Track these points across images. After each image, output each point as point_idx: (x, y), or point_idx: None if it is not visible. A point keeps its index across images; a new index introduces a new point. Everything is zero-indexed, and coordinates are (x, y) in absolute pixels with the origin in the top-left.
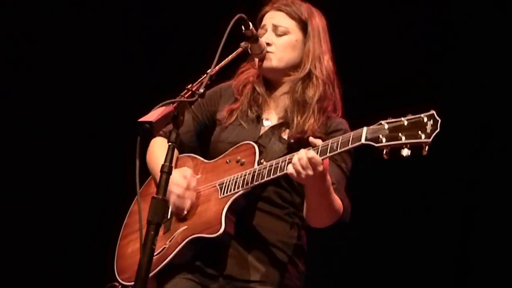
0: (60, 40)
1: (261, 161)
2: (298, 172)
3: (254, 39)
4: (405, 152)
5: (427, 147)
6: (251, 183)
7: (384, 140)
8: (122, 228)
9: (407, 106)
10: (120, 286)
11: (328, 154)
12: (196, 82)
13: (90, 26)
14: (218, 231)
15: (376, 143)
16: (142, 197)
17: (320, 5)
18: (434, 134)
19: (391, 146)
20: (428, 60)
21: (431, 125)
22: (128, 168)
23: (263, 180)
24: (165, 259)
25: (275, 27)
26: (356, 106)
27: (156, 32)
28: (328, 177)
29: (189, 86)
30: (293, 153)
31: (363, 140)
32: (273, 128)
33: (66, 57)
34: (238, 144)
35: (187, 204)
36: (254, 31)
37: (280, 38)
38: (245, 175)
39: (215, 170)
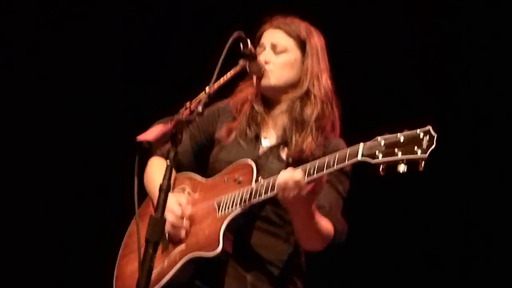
0: (60, 58)
1: (259, 179)
2: (282, 191)
3: (253, 57)
4: (402, 168)
5: (423, 162)
6: (248, 202)
7: (380, 156)
8: (121, 248)
9: (404, 121)
10: None
11: (325, 171)
12: (195, 100)
13: (89, 45)
14: (216, 250)
15: (373, 159)
16: (140, 216)
17: (318, 24)
18: (431, 149)
19: (387, 162)
20: (424, 76)
21: (427, 141)
22: (127, 187)
23: (260, 199)
24: (163, 278)
25: (273, 46)
26: (352, 121)
27: (154, 49)
28: (313, 206)
29: (187, 104)
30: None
31: (359, 157)
32: (271, 147)
33: (64, 76)
34: (235, 163)
35: (181, 233)
36: (253, 49)
37: (279, 56)
38: (242, 193)
39: (213, 188)
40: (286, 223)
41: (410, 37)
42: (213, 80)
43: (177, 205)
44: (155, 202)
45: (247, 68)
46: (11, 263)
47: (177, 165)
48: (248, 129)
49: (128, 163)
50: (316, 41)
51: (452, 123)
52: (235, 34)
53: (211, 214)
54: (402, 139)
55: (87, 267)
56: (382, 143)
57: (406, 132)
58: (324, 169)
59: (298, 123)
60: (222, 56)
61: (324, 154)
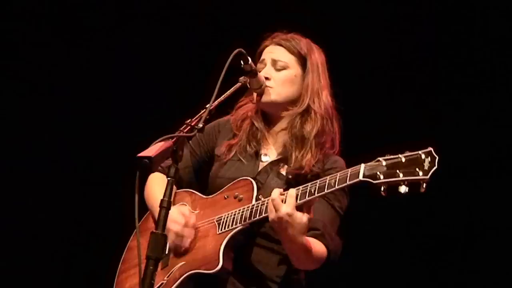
0: (61, 71)
1: (259, 197)
2: (270, 211)
3: (253, 73)
4: (403, 189)
5: (424, 184)
6: (249, 219)
7: (381, 177)
8: (120, 264)
9: (405, 143)
10: None
11: (326, 191)
12: (195, 117)
13: (89, 59)
14: (216, 267)
15: (374, 180)
16: (140, 232)
17: (319, 40)
18: (432, 171)
19: (388, 183)
20: (426, 97)
21: (429, 162)
22: (127, 203)
23: (261, 216)
24: None
25: (274, 62)
26: (354, 143)
27: (155, 66)
28: (304, 238)
29: (188, 121)
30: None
31: (360, 177)
32: (271, 164)
33: (65, 91)
34: (236, 180)
35: (186, 242)
36: (253, 65)
37: (279, 72)
38: (243, 211)
39: (213, 205)
40: None
41: (413, 54)
42: (213, 96)
43: (180, 215)
44: (155, 217)
45: (248, 85)
46: (12, 278)
47: (177, 181)
48: (248, 146)
49: (129, 179)
50: (317, 57)
51: (454, 140)
52: (236, 51)
53: (211, 231)
54: (403, 160)
55: (87, 281)
56: (384, 164)
57: (408, 153)
58: (326, 189)
59: (298, 139)
60: (223, 73)
61: (323, 171)
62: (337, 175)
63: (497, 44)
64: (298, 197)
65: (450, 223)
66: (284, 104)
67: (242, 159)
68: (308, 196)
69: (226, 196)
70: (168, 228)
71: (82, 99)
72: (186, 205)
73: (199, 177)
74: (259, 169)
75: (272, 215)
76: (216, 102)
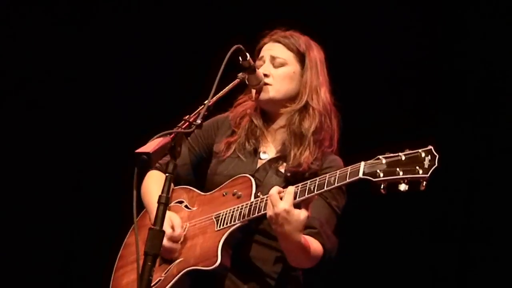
0: (58, 68)
1: (258, 194)
2: (269, 207)
3: (252, 70)
4: (403, 187)
5: (424, 182)
6: (247, 216)
7: (381, 175)
8: (117, 260)
9: (405, 141)
10: None
11: (325, 188)
12: (194, 113)
13: (86, 56)
14: (214, 263)
15: (374, 178)
16: (137, 228)
17: (318, 38)
18: (432, 169)
19: (388, 181)
20: (426, 94)
21: (429, 161)
22: (124, 199)
23: (259, 214)
24: None
25: (273, 59)
26: (354, 141)
27: (153, 62)
28: (301, 235)
29: (186, 117)
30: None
31: (360, 175)
32: (270, 161)
33: (64, 87)
34: (234, 177)
35: (173, 255)
36: (252, 62)
37: (278, 69)
38: (241, 208)
39: (212, 202)
40: None
41: (412, 51)
42: (212, 93)
43: (169, 226)
44: (151, 214)
45: (246, 81)
46: (9, 275)
47: (175, 177)
48: (247, 143)
49: (127, 176)
50: (316, 54)
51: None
52: (234, 47)
53: (210, 228)
54: (403, 159)
55: (83, 278)
56: (384, 161)
57: (408, 152)
58: (325, 187)
59: (296, 136)
60: (221, 69)
61: (321, 170)
62: (336, 173)
63: (498, 42)
64: (297, 194)
65: (449, 222)
66: (282, 101)
67: (240, 156)
68: (307, 194)
69: (224, 193)
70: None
71: (80, 96)
72: (184, 201)
73: (197, 174)
74: (258, 167)
75: (269, 211)
76: (214, 98)
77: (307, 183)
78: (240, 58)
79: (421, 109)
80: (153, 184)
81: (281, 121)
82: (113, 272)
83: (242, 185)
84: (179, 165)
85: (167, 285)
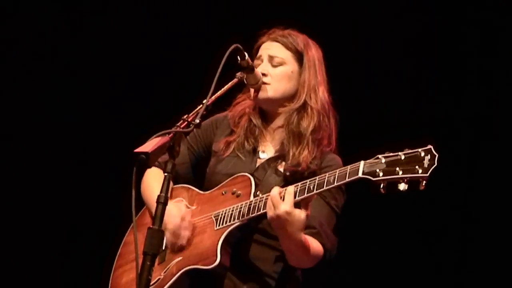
0: (58, 67)
1: (257, 193)
2: (269, 208)
3: (250, 69)
4: (402, 186)
5: (424, 182)
6: (247, 215)
7: (381, 174)
8: (116, 259)
9: (405, 140)
10: None
11: (325, 187)
12: (192, 113)
13: (85, 54)
14: (214, 262)
15: (373, 177)
16: (137, 227)
17: (316, 37)
18: (432, 169)
19: (388, 180)
20: (426, 95)
21: (429, 160)
22: (123, 198)
23: (259, 213)
24: None
25: (271, 58)
26: (353, 140)
27: (151, 62)
28: (302, 235)
29: (185, 117)
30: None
31: (360, 174)
32: (269, 160)
33: (64, 87)
34: (234, 176)
35: (183, 240)
36: (250, 61)
37: (276, 68)
38: (241, 207)
39: (211, 201)
40: None
41: (412, 51)
42: (210, 92)
43: (177, 212)
44: (151, 209)
45: (245, 80)
46: (8, 273)
47: (174, 177)
48: (246, 142)
49: (126, 175)
50: (314, 53)
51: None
52: (232, 47)
53: (209, 227)
54: (403, 158)
55: (83, 276)
56: (383, 161)
57: (407, 151)
58: (324, 186)
59: (295, 135)
60: (220, 69)
61: (319, 169)
62: (336, 172)
63: (498, 41)
64: (297, 194)
65: (449, 222)
66: (281, 100)
67: (240, 155)
68: (307, 193)
69: (224, 192)
70: (165, 226)
71: (79, 95)
72: (183, 200)
73: (196, 173)
74: (257, 166)
75: (270, 213)
76: (213, 98)
77: (306, 182)
78: (238, 57)
79: (421, 108)
80: (153, 180)
81: (279, 120)
82: (112, 271)
83: (242, 184)
84: (178, 164)
85: (166, 284)
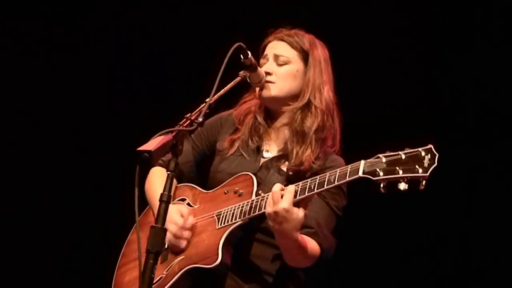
0: (59, 66)
1: (259, 192)
2: (268, 204)
3: (253, 68)
4: (402, 186)
5: (424, 181)
6: (248, 215)
7: (381, 173)
8: (120, 258)
9: (406, 139)
10: None
11: (326, 187)
12: (195, 111)
13: (88, 52)
14: (215, 262)
15: (374, 176)
16: (140, 226)
17: (319, 36)
18: (432, 168)
19: (388, 180)
20: (427, 94)
21: (429, 160)
22: (127, 197)
23: (260, 212)
24: None
25: (276, 57)
26: (354, 139)
27: (154, 61)
28: (298, 234)
29: (187, 115)
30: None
31: (360, 173)
32: (272, 159)
33: (65, 85)
34: (236, 175)
35: (183, 243)
36: (253, 60)
37: (281, 67)
38: (242, 206)
39: (213, 200)
40: None
41: (415, 51)
42: (213, 91)
43: (179, 215)
44: (155, 211)
45: (248, 79)
46: (11, 271)
47: (178, 175)
48: (250, 141)
49: (129, 173)
50: (320, 53)
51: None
52: (235, 45)
53: (211, 225)
54: (403, 157)
55: (86, 275)
56: (383, 160)
57: (408, 150)
58: (325, 185)
59: (298, 135)
60: (223, 67)
61: (322, 169)
62: (336, 171)
63: (501, 41)
64: (298, 193)
65: (448, 223)
66: (285, 99)
67: (244, 154)
68: (308, 192)
69: (226, 191)
70: (167, 228)
71: (82, 93)
72: (186, 199)
73: (200, 171)
74: (260, 165)
75: (269, 209)
76: (216, 96)
77: (307, 181)
78: (241, 56)
79: (422, 108)
80: (157, 179)
81: (283, 119)
82: (116, 269)
83: (244, 183)
84: (182, 162)
85: (168, 282)
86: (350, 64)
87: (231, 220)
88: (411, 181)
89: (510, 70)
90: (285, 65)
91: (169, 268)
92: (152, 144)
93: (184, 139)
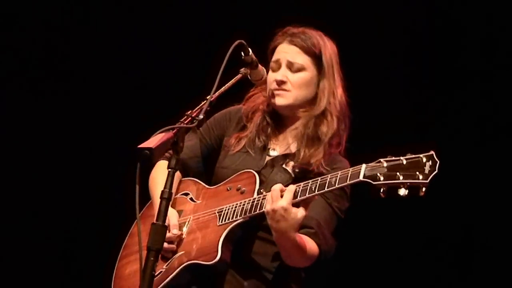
0: (59, 65)
1: (261, 190)
2: (267, 202)
3: (254, 65)
4: (402, 191)
5: (424, 188)
6: (249, 213)
7: (382, 178)
8: (122, 249)
9: (408, 144)
10: None
11: (326, 189)
12: (196, 108)
13: (88, 50)
14: (214, 258)
15: (374, 181)
16: (143, 218)
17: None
18: (432, 175)
19: (388, 185)
20: (430, 100)
21: (430, 166)
22: (130, 190)
23: (261, 210)
24: (161, 284)
25: (290, 64)
26: (356, 143)
27: (155, 58)
28: (296, 234)
29: (188, 112)
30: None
31: (361, 177)
32: (277, 158)
33: (66, 83)
34: (240, 172)
35: (168, 254)
36: (254, 57)
37: (295, 75)
38: (244, 203)
39: (216, 196)
40: None
41: (419, 53)
42: (214, 88)
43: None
44: (156, 206)
45: (249, 76)
46: (12, 261)
47: (184, 169)
48: (257, 139)
49: (131, 170)
50: (330, 52)
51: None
52: (236, 42)
53: (212, 222)
54: (404, 163)
55: (88, 266)
56: (385, 165)
57: (409, 156)
58: (326, 187)
59: (309, 139)
60: (223, 64)
61: (328, 170)
62: (338, 174)
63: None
64: (298, 193)
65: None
66: (299, 106)
67: (250, 151)
68: (308, 193)
69: (229, 188)
70: (167, 226)
71: (83, 91)
72: (190, 193)
73: (207, 166)
74: (265, 163)
75: (268, 206)
76: (217, 94)
77: (308, 182)
78: (242, 53)
79: (426, 112)
80: (161, 174)
81: (294, 121)
82: (118, 261)
83: (246, 181)
84: (190, 157)
85: (167, 277)
86: (353, 68)
87: (232, 218)
88: (411, 187)
89: None
90: (299, 72)
91: (169, 263)
92: (153, 142)
93: (192, 133)
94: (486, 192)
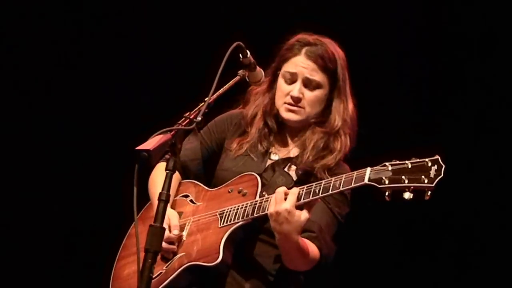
0: (60, 65)
1: (263, 193)
2: (271, 204)
3: (252, 67)
4: (407, 195)
5: (429, 192)
6: (251, 215)
7: (387, 182)
8: (120, 250)
9: (413, 148)
10: None
11: (330, 192)
12: (194, 110)
13: (86, 52)
14: (215, 260)
15: (379, 184)
16: (142, 220)
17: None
18: (438, 179)
19: (393, 188)
20: (435, 104)
21: (435, 170)
22: (128, 191)
23: (263, 213)
24: (161, 285)
25: (307, 80)
26: (361, 146)
27: (153, 59)
28: (299, 237)
29: (186, 114)
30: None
31: (366, 180)
32: (279, 162)
33: (65, 84)
34: (241, 174)
35: (169, 254)
36: (252, 59)
37: (311, 92)
38: (245, 206)
39: (217, 198)
40: None
41: (424, 57)
42: (212, 90)
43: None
44: (154, 207)
45: (247, 78)
46: (12, 261)
47: (185, 171)
48: (259, 145)
49: (129, 172)
50: (343, 66)
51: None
52: (234, 44)
53: (213, 224)
54: (409, 167)
55: (87, 266)
56: (390, 168)
57: (414, 160)
58: (330, 190)
59: (318, 151)
60: (222, 66)
61: (330, 175)
62: (342, 177)
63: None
64: (302, 196)
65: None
66: (309, 120)
67: (251, 155)
68: (312, 196)
69: (230, 190)
70: (165, 228)
71: (81, 93)
72: (189, 195)
73: (207, 168)
74: (266, 166)
75: (271, 208)
76: (215, 96)
77: (312, 185)
78: (240, 55)
79: (431, 116)
80: (160, 176)
81: (299, 130)
82: (116, 261)
83: (248, 183)
84: (190, 159)
85: (167, 278)
86: (358, 71)
87: (234, 220)
88: (416, 191)
89: None
90: (315, 90)
91: (169, 264)
92: (150, 143)
93: (193, 136)
94: (486, 192)
